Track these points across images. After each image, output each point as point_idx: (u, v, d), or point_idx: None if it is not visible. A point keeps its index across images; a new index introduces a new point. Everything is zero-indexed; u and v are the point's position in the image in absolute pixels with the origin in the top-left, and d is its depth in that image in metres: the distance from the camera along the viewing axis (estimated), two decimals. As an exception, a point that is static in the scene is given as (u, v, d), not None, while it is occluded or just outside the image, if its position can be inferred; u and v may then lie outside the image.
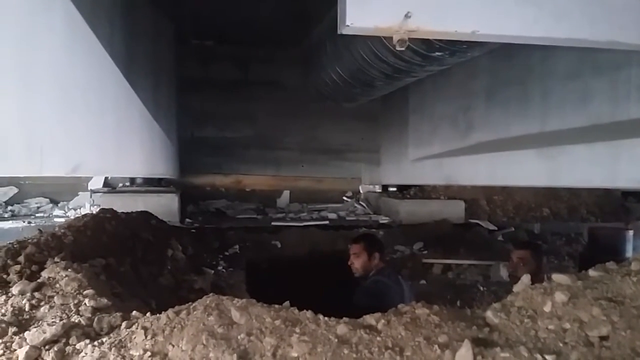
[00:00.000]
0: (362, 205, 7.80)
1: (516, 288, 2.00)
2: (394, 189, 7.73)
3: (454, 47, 3.02)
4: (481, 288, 5.17)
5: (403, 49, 1.67)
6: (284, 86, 7.36)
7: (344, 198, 8.00)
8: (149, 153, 4.13)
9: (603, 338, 1.62)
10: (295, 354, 1.76)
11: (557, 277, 1.93)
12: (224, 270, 5.18)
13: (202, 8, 5.57)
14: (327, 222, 6.84)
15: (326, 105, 6.75)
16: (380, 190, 7.93)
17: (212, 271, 4.97)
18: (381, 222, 6.97)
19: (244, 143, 7.46)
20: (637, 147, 3.14)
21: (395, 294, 3.34)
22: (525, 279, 1.99)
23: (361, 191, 8.08)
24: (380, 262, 3.56)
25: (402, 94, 6.10)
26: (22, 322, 2.30)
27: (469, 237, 6.68)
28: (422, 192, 7.64)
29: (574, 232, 7.19)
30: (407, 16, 1.60)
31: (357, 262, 3.57)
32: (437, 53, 3.10)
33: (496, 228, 7.02)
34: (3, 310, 2.37)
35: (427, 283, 5.45)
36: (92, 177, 6.49)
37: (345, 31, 1.68)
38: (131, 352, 1.93)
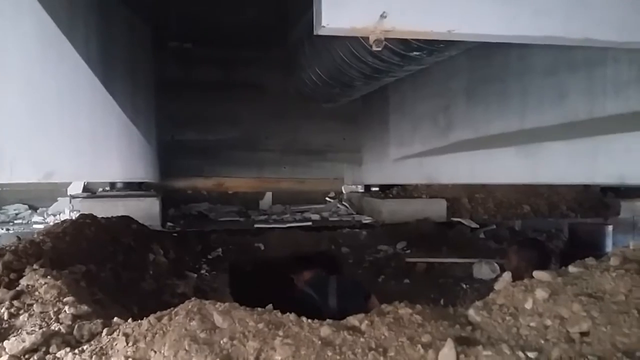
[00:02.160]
0: (344, 206, 7.81)
1: (497, 286, 2.02)
2: (377, 188, 7.75)
3: (431, 46, 3.03)
4: (464, 286, 5.20)
5: (380, 49, 1.67)
6: (266, 88, 7.34)
7: (327, 199, 8.00)
8: (127, 157, 4.07)
9: (584, 334, 1.64)
10: (278, 357, 1.75)
11: (537, 274, 1.94)
12: (207, 274, 5.13)
13: (181, 11, 5.54)
14: (310, 223, 6.83)
15: (308, 107, 6.74)
16: (362, 190, 7.94)
17: (195, 275, 4.92)
18: (364, 222, 6.98)
19: (226, 145, 7.42)
20: (614, 143, 3.18)
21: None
22: (506, 276, 2.01)
23: (344, 191, 8.09)
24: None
25: (382, 94, 6.12)
26: (0, 331, 2.26)
27: (452, 236, 6.73)
28: (404, 191, 7.67)
29: (554, 228, 7.29)
30: (382, 16, 1.60)
31: None
32: (415, 53, 3.11)
33: (478, 226, 7.08)
34: (-19, 320, 2.32)
35: (411, 282, 5.47)
36: (71, 183, 6.40)
37: (321, 32, 1.68)
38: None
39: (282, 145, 7.68)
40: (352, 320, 1.94)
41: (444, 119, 5.16)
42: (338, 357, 1.72)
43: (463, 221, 7.11)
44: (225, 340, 1.87)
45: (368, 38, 1.64)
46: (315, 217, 7.20)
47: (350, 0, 1.61)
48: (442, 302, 4.79)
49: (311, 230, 6.53)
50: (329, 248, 6.16)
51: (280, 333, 1.87)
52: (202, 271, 5.17)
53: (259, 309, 2.10)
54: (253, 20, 5.84)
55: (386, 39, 1.63)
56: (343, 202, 7.92)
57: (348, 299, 3.95)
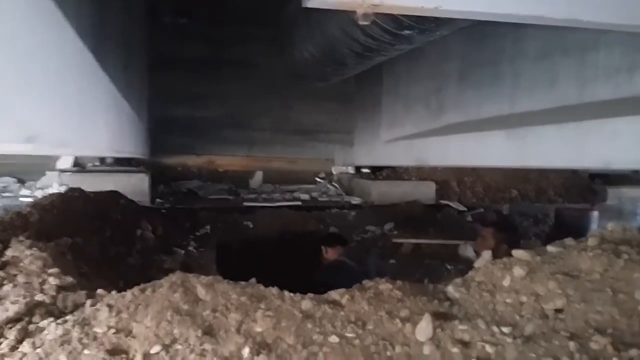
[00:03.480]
0: (334, 186, 7.83)
1: (477, 264, 2.05)
2: (367, 170, 7.77)
3: (422, 25, 3.01)
4: (448, 267, 5.26)
5: (367, 23, 1.67)
6: (258, 66, 7.28)
7: (317, 179, 8.01)
8: (116, 131, 4.03)
9: (558, 311, 1.67)
10: (259, 329, 1.78)
11: (516, 252, 1.97)
12: (194, 250, 5.14)
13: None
14: (299, 202, 6.85)
15: (300, 86, 6.72)
16: (353, 172, 7.96)
17: (183, 251, 4.93)
18: (353, 203, 7.02)
19: (217, 123, 7.38)
20: (603, 128, 3.21)
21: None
22: (486, 254, 2.04)
23: (334, 172, 8.09)
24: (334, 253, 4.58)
25: (376, 75, 6.11)
26: (-16, 300, 2.26)
27: (439, 218, 6.78)
28: (394, 173, 7.69)
29: (542, 213, 7.35)
30: (370, -10, 1.60)
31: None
32: (406, 31, 3.10)
33: (466, 209, 7.13)
34: (-36, 289, 2.33)
35: (397, 262, 5.51)
36: (59, 157, 6.36)
37: (309, 4, 1.67)
38: (95, 330, 1.92)
39: (273, 124, 7.65)
40: (333, 294, 1.97)
41: (436, 102, 5.16)
42: (318, 329, 1.75)
43: (451, 204, 7.17)
44: (207, 312, 1.89)
45: (356, 12, 1.64)
46: (305, 197, 7.21)
47: (339, -28, 1.61)
48: (426, 281, 4.83)
49: (300, 209, 6.55)
50: (317, 228, 6.19)
51: (262, 306, 1.90)
52: (190, 248, 5.17)
53: (242, 282, 2.12)
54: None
55: (377, 16, 1.64)
56: (333, 183, 7.93)
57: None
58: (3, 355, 1.85)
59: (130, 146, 4.84)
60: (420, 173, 7.53)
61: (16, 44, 1.87)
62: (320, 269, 4.45)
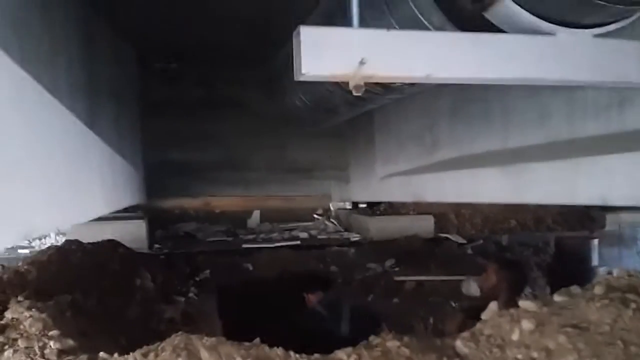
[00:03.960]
0: (332, 223, 7.81)
1: (484, 315, 2.03)
2: (364, 205, 7.77)
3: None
4: (453, 304, 5.21)
5: (360, 94, 1.70)
6: (250, 106, 7.33)
7: (315, 216, 8.00)
8: (111, 188, 4.04)
9: (569, 366, 1.65)
10: (266, 395, 1.74)
11: (523, 303, 1.96)
12: (195, 297, 5.10)
13: (165, 32, 5.53)
14: (298, 242, 6.82)
15: (293, 125, 6.75)
16: (350, 207, 7.95)
17: (183, 299, 4.89)
18: (352, 239, 6.99)
19: (212, 164, 7.39)
20: (595, 164, 3.21)
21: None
22: (493, 305, 2.02)
23: (331, 208, 8.09)
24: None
25: (368, 113, 6.15)
26: (-15, 367, 2.23)
27: (439, 252, 6.74)
28: (391, 207, 7.69)
29: (542, 242, 7.32)
30: (362, 62, 1.62)
31: None
32: (398, 84, 3.13)
33: (465, 241, 7.10)
34: (-35, 356, 2.29)
35: (400, 301, 5.47)
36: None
37: (301, 78, 1.70)
38: (98, 399, 1.88)
39: (268, 164, 7.67)
40: (340, 354, 1.94)
41: (430, 138, 5.19)
42: (326, 394, 1.72)
43: (450, 237, 7.15)
44: (212, 377, 1.86)
45: (347, 83, 1.67)
46: (304, 235, 7.19)
47: (329, 48, 1.63)
48: (431, 320, 4.80)
49: (299, 249, 6.52)
50: (317, 267, 6.15)
51: (268, 369, 1.86)
52: (190, 294, 5.13)
53: (247, 343, 2.09)
54: (236, 43, 5.85)
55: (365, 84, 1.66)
56: (331, 220, 7.92)
57: (358, 324, 4.03)
58: None
59: (127, 198, 4.84)
60: (418, 207, 7.52)
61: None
62: (300, 321, 4.41)
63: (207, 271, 5.82)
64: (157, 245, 6.37)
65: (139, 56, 6.13)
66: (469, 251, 6.97)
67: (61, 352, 2.38)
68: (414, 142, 5.51)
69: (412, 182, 5.54)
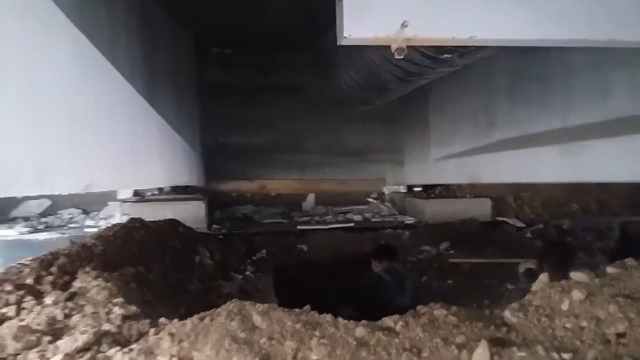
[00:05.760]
0: (387, 206, 7.80)
1: (534, 287, 2.01)
2: (419, 188, 7.72)
3: (462, 48, 3.00)
4: (509, 287, 5.12)
5: (402, 57, 1.70)
6: (304, 90, 7.41)
7: (369, 199, 8.01)
8: (170, 163, 4.21)
9: (620, 335, 1.62)
10: (315, 357, 1.80)
11: (574, 274, 1.92)
12: (251, 275, 5.23)
13: (220, 18, 5.66)
14: (352, 224, 6.86)
15: (346, 108, 6.78)
16: (405, 191, 7.91)
17: (240, 276, 5.03)
18: (407, 222, 6.96)
19: (267, 148, 7.54)
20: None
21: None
22: (543, 277, 1.99)
23: (386, 192, 8.08)
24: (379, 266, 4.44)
25: (422, 95, 6.09)
26: (55, 331, 2.39)
27: (497, 236, 6.61)
28: (447, 191, 7.60)
29: (605, 227, 7.05)
30: (403, 25, 1.62)
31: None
32: (446, 55, 3.08)
33: (524, 225, 6.93)
34: (38, 320, 2.46)
35: (454, 283, 5.42)
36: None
37: (343, 42, 1.72)
38: (158, 358, 1.99)
39: (322, 147, 7.75)
40: (387, 321, 1.97)
41: (485, 118, 5.10)
42: (372, 357, 1.75)
43: (508, 220, 6.99)
44: (264, 340, 1.93)
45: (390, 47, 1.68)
46: (358, 217, 7.23)
47: (371, 10, 1.64)
48: (485, 302, 4.73)
49: (353, 231, 6.56)
50: (371, 249, 6.16)
51: (317, 333, 1.92)
52: (247, 272, 5.27)
53: (297, 309, 2.15)
54: (287, 25, 5.91)
55: (410, 46, 1.66)
56: (385, 203, 7.91)
57: (416, 299, 4.04)
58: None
59: (185, 175, 5.01)
60: (475, 190, 7.40)
61: (67, 98, 2.02)
62: (357, 279, 4.40)
63: (263, 251, 5.95)
64: (215, 226, 6.57)
65: (196, 42, 6.31)
66: (528, 235, 6.80)
67: (125, 317, 2.52)
68: (469, 123, 5.43)
69: (468, 164, 5.46)
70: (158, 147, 3.71)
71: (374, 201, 7.99)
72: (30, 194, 4.68)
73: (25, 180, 2.17)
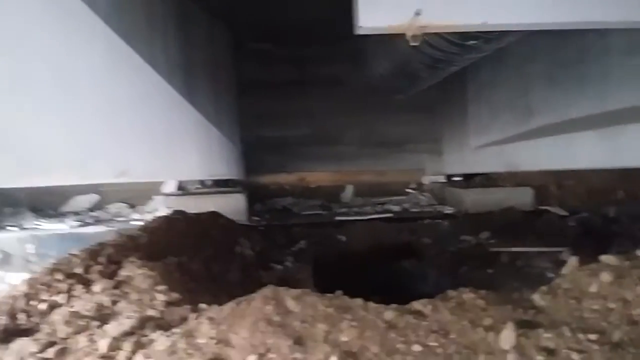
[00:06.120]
0: (426, 196, 7.77)
1: (564, 270, 2.01)
2: (459, 178, 7.65)
3: (486, 34, 2.97)
4: (550, 275, 5.03)
5: (417, 44, 1.73)
6: (340, 82, 7.43)
7: (408, 190, 7.99)
8: (207, 156, 4.33)
9: (648, 316, 1.62)
10: (345, 339, 1.87)
11: (604, 257, 1.92)
12: (291, 265, 5.32)
13: (257, 13, 5.76)
14: (391, 214, 6.87)
15: (382, 99, 6.78)
16: (444, 180, 7.86)
17: (280, 267, 5.13)
18: (446, 212, 6.93)
19: (305, 141, 7.63)
20: None
21: None
22: (573, 260, 1.99)
23: (425, 182, 8.04)
24: None
25: (459, 83, 6.05)
26: (103, 316, 2.54)
27: (539, 224, 6.48)
28: (487, 180, 7.49)
29: (653, 214, 6.82)
30: (417, 13, 1.66)
31: None
32: (472, 41, 3.06)
33: (567, 213, 6.78)
34: (87, 307, 2.62)
35: (495, 272, 5.37)
36: (165, 182, 6.86)
37: (359, 32, 1.76)
38: (198, 341, 2.10)
39: (359, 138, 7.78)
40: (416, 304, 2.02)
41: (523, 105, 5.01)
42: (401, 339, 1.81)
43: (551, 209, 6.85)
44: (297, 323, 2.01)
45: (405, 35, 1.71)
46: (396, 208, 7.23)
47: (385, 0, 1.68)
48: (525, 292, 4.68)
49: (392, 221, 6.57)
50: (409, 239, 6.17)
51: (348, 316, 1.99)
52: (287, 263, 5.35)
53: (329, 294, 2.22)
54: (324, 19, 5.95)
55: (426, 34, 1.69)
56: (424, 193, 7.88)
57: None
58: (120, 364, 2.07)
59: (223, 168, 5.14)
60: (516, 179, 7.28)
61: (104, 92, 2.15)
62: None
63: (303, 242, 6.03)
64: (255, 218, 6.71)
65: (234, 37, 6.43)
66: (572, 224, 6.65)
67: (167, 304, 2.65)
68: (507, 110, 5.35)
69: (506, 151, 5.40)
70: (196, 140, 3.84)
71: (413, 192, 7.97)
72: (66, 183, 4.88)
73: (62, 166, 2.31)
